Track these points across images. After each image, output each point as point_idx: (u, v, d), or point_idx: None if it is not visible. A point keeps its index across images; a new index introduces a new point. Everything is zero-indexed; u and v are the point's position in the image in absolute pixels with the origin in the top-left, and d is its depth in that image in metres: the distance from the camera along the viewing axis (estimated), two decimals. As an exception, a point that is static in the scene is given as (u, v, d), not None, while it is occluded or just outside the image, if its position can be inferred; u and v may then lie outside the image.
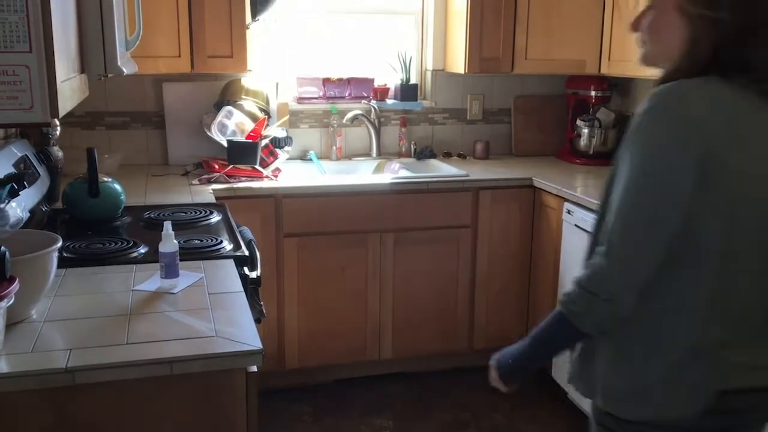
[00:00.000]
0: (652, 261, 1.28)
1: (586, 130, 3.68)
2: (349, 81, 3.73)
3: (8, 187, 1.82)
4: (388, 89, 3.83)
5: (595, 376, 1.40)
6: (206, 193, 2.94)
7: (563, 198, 3.10)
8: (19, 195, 1.89)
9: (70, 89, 1.62)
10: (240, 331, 1.53)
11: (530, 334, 1.45)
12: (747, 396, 1.33)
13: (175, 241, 1.80)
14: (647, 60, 1.41)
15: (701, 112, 1.23)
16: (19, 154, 2.29)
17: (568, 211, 3.05)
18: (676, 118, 1.23)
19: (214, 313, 1.63)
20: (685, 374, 1.30)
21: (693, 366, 1.30)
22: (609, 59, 3.38)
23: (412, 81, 3.82)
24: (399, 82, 3.80)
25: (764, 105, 1.27)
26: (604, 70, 3.44)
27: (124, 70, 2.06)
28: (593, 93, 3.69)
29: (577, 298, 1.32)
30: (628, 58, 3.23)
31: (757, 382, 1.33)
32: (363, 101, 3.75)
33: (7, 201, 1.83)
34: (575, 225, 2.99)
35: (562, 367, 3.15)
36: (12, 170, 2.08)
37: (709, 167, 1.23)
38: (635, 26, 1.41)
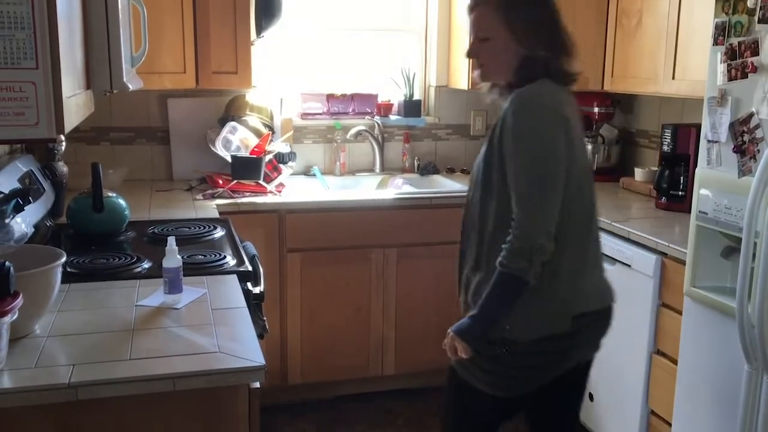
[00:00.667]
0: (557, 212, 1.70)
1: (589, 147, 3.68)
2: (353, 97, 3.75)
3: (13, 202, 1.83)
4: (391, 105, 3.84)
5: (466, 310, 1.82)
6: (210, 208, 2.95)
7: (566, 214, 3.10)
8: (24, 210, 1.90)
9: (75, 105, 1.63)
10: (243, 347, 1.53)
11: (480, 304, 1.76)
12: (584, 318, 1.80)
13: (178, 257, 1.80)
14: (486, 77, 1.85)
15: (555, 104, 1.72)
16: (25, 169, 2.30)
17: (572, 227, 3.05)
18: (544, 109, 1.70)
19: (217, 328, 1.63)
20: (560, 303, 1.76)
21: (565, 296, 1.77)
22: (612, 76, 3.38)
23: (416, 97, 3.83)
24: (402, 98, 3.81)
25: (572, 99, 1.82)
26: (607, 87, 3.44)
27: (130, 86, 2.07)
28: (596, 109, 3.69)
29: (517, 257, 1.68)
30: (632, 74, 3.23)
31: (589, 307, 1.82)
32: (366, 117, 3.76)
33: (12, 216, 1.83)
34: (579, 241, 2.99)
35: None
36: (17, 185, 2.09)
37: (567, 140, 1.70)
38: (474, 54, 1.82)
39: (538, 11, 1.77)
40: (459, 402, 1.98)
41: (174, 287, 1.79)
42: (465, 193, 3.27)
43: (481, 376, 1.85)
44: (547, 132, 1.69)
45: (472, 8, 1.81)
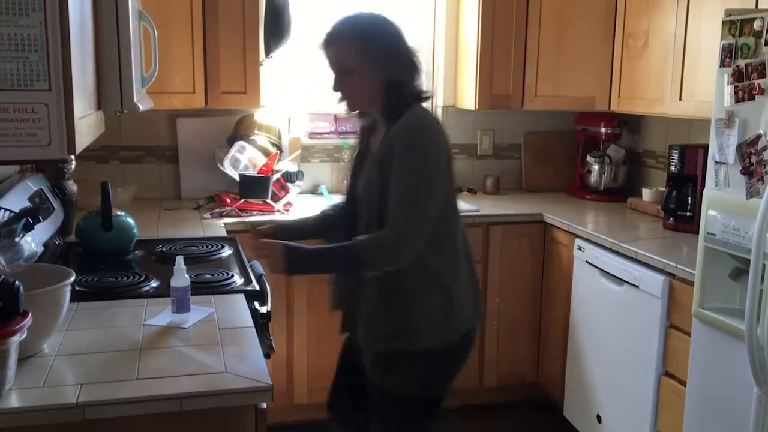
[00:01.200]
0: (433, 221, 1.80)
1: (596, 167, 3.69)
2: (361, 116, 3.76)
3: (23, 221, 1.84)
4: (399, 125, 3.85)
5: (394, 326, 1.88)
6: (218, 227, 2.96)
7: (574, 234, 3.10)
8: (33, 229, 1.91)
9: (87, 126, 1.64)
10: (250, 367, 1.53)
11: (324, 250, 1.86)
12: (479, 317, 2.01)
13: (186, 276, 1.81)
14: (354, 107, 1.97)
15: (437, 125, 1.89)
16: (35, 188, 2.32)
17: (579, 248, 3.04)
18: (432, 130, 1.85)
19: (224, 348, 1.63)
20: (464, 303, 1.91)
21: (470, 298, 1.93)
22: (619, 96, 3.40)
23: (423, 117, 3.84)
24: (410, 117, 3.82)
25: None
26: (614, 107, 3.45)
27: (140, 107, 2.09)
28: (603, 129, 3.70)
29: (381, 250, 1.78)
30: (638, 95, 3.24)
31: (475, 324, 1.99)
32: (374, 136, 3.77)
33: (21, 235, 1.84)
34: (586, 261, 2.98)
35: (573, 404, 3.12)
36: (27, 204, 2.11)
37: (448, 156, 1.88)
38: (339, 88, 1.91)
39: (389, 39, 1.89)
40: (390, 419, 2.00)
41: (182, 306, 1.80)
42: (471, 213, 3.32)
43: (399, 381, 1.92)
44: (434, 148, 1.83)
45: (328, 44, 1.88)
